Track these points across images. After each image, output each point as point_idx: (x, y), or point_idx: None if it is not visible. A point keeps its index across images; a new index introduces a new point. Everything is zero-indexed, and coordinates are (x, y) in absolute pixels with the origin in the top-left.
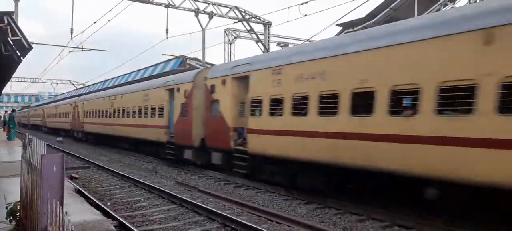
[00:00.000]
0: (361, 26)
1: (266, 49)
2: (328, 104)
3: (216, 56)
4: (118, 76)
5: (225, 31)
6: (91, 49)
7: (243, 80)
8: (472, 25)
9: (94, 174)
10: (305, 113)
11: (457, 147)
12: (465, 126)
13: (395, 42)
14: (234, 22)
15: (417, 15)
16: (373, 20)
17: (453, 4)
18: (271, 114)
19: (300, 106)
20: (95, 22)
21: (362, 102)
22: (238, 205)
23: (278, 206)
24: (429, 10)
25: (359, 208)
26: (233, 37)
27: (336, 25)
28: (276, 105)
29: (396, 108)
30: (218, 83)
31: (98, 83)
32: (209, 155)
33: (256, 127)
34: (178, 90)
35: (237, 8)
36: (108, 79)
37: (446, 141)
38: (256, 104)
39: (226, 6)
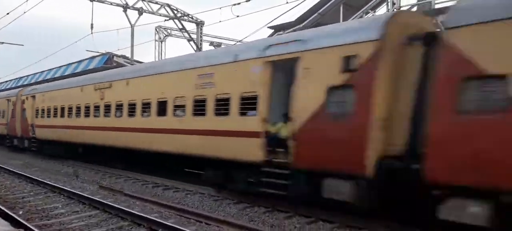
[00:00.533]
0: (291, 29)
1: (199, 48)
2: (61, 112)
3: (147, 54)
4: (36, 73)
5: (156, 29)
6: (2, 42)
7: (34, 97)
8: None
9: (4, 180)
10: (55, 116)
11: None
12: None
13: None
14: (165, 20)
15: (343, 21)
16: (302, 24)
17: (374, 12)
18: (42, 117)
19: (53, 112)
20: (8, 13)
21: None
22: (166, 208)
23: (207, 207)
24: (353, 17)
25: (287, 206)
26: (164, 35)
27: (268, 27)
28: (43, 112)
29: (107, 114)
30: (25, 98)
31: (11, 80)
32: (24, 141)
33: (38, 124)
34: (10, 100)
35: (168, 5)
36: (24, 77)
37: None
38: (37, 111)
39: (156, 3)
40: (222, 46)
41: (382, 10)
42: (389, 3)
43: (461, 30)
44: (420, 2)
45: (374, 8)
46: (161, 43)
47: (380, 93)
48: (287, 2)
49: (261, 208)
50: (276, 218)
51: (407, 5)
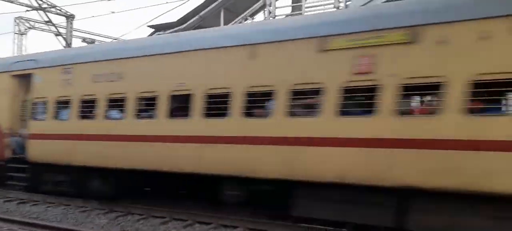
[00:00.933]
0: (172, 30)
1: (68, 44)
2: None
3: (4, 47)
4: None
5: (15, 20)
6: None
7: None
8: None
9: None
10: None
11: None
12: None
13: None
14: (27, 10)
15: (224, 25)
16: (184, 26)
17: (253, 19)
18: None
19: None
20: None
21: None
22: (20, 225)
23: (73, 220)
24: (233, 22)
25: (163, 211)
26: (25, 28)
27: (148, 26)
28: None
29: None
30: None
31: None
32: None
33: None
34: None
35: None
36: None
37: None
38: None
39: None
40: (96, 42)
41: (260, 17)
42: (265, 11)
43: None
44: (293, 13)
45: (253, 15)
46: (22, 36)
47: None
48: (167, 2)
49: (135, 215)
50: (150, 224)
51: (282, 15)
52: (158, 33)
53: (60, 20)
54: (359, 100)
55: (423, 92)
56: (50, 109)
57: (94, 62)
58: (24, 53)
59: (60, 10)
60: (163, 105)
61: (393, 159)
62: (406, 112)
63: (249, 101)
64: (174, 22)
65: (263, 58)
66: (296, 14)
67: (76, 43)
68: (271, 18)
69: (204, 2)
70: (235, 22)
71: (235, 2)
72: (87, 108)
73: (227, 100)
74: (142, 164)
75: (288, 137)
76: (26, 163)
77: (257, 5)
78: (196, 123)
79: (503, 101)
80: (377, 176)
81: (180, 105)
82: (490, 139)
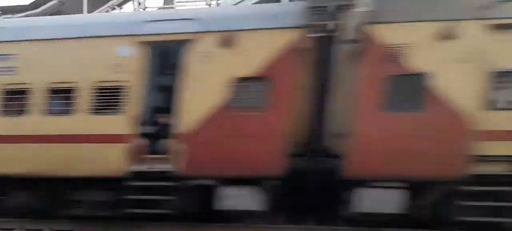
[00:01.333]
0: (23, 14)
1: None
2: None
3: None
4: None
5: None
6: None
7: None
8: None
9: None
10: None
11: None
12: None
13: None
14: None
15: (87, 13)
16: (39, 10)
17: (121, 8)
18: None
19: None
20: None
21: None
22: None
23: None
24: (98, 10)
25: (39, 223)
26: None
27: None
28: None
29: None
30: None
31: None
32: None
33: None
34: None
35: None
36: None
37: None
38: None
39: None
40: None
41: (128, 7)
42: (135, 2)
43: None
44: (165, 6)
45: (120, 4)
46: None
47: None
48: None
49: None
50: None
51: (153, 7)
52: (5, 16)
53: None
54: None
55: None
56: None
57: None
58: None
59: None
60: None
61: None
62: None
63: None
64: (26, 4)
65: None
66: (168, 8)
67: None
68: (141, 10)
69: None
70: (101, 10)
71: None
72: None
73: None
74: None
75: None
76: None
77: None
78: None
79: None
80: None
81: None
82: None
